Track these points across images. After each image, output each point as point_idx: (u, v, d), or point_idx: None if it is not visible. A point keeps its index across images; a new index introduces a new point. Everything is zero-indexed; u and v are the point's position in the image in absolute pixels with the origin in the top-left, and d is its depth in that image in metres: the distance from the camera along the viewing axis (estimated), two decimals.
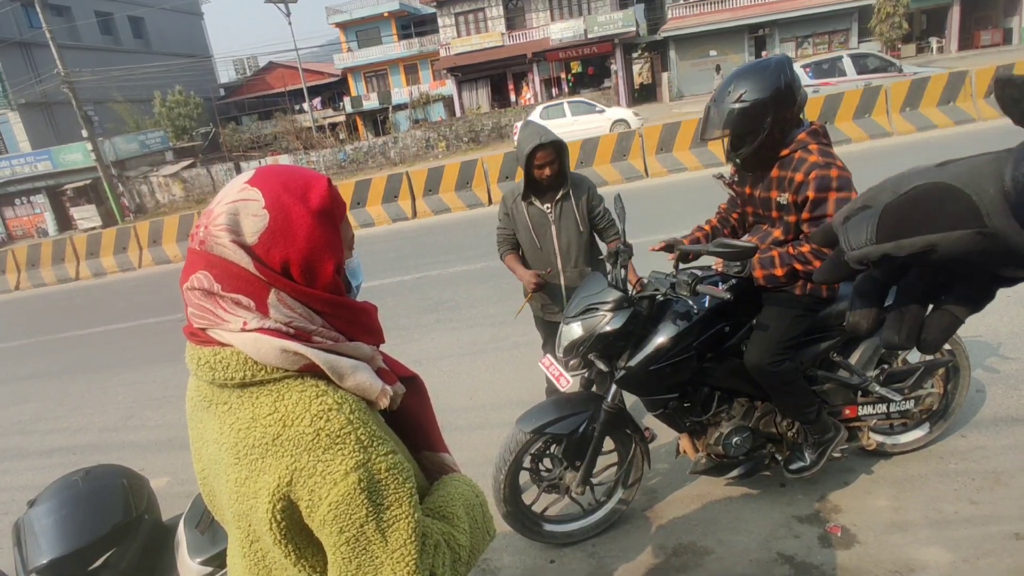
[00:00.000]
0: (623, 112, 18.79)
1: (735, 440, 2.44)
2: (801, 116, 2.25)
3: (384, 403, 0.94)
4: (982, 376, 3.24)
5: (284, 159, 25.85)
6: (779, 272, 2.21)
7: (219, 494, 0.93)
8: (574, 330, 2.27)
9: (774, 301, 2.32)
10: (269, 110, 37.93)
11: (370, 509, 0.83)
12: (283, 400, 0.85)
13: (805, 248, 2.16)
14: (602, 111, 18.43)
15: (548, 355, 2.53)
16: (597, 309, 2.24)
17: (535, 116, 18.76)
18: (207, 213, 0.88)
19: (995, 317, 3.86)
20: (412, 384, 1.11)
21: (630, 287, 2.40)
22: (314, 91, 38.69)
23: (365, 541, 0.83)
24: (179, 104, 32.88)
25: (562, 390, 2.36)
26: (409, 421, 1.10)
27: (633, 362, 2.26)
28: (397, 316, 6.25)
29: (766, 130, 2.13)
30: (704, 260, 2.62)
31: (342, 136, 32.61)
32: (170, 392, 5.41)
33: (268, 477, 0.82)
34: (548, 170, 2.69)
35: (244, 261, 0.86)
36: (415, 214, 11.73)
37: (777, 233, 2.32)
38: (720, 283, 2.30)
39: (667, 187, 10.11)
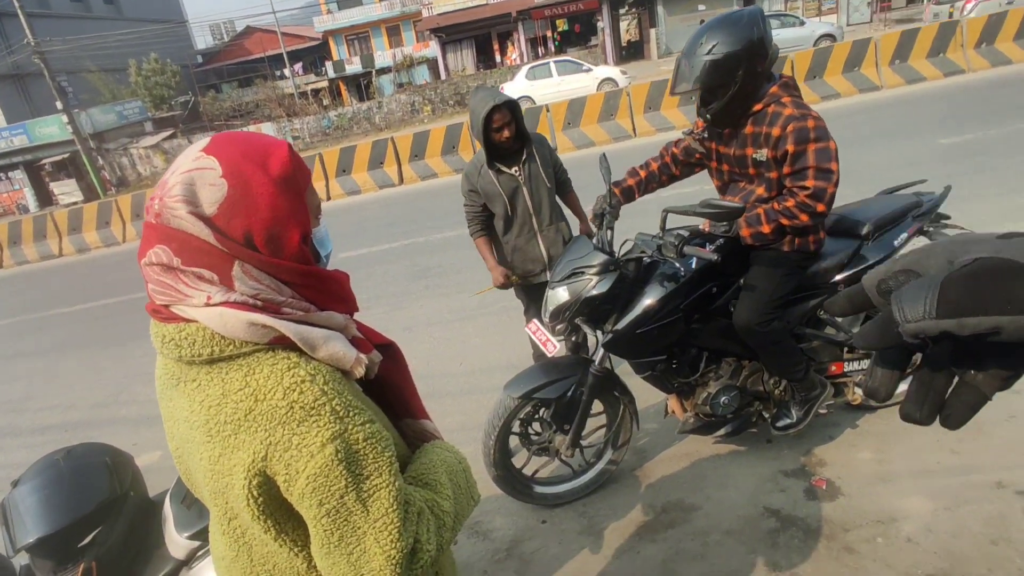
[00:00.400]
0: (610, 71, 18.46)
1: (723, 399, 2.46)
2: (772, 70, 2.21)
3: (359, 372, 0.92)
4: None
5: (267, 127, 25.30)
6: (766, 229, 2.20)
7: (195, 472, 0.92)
8: (560, 295, 2.25)
9: (762, 260, 2.30)
10: (249, 76, 36.96)
11: (349, 480, 0.82)
12: (254, 374, 0.83)
13: (790, 202, 2.14)
14: (589, 70, 18.10)
15: (534, 320, 2.52)
16: (583, 273, 2.22)
17: (521, 76, 18.44)
18: (161, 184, 0.85)
19: None
20: (388, 351, 1.09)
21: (616, 249, 2.38)
22: (294, 56, 37.70)
23: (346, 512, 0.83)
24: (155, 72, 31.93)
25: (549, 355, 2.36)
26: (388, 389, 1.09)
27: (620, 325, 2.26)
28: (386, 284, 6.22)
29: (737, 83, 2.09)
30: (682, 220, 2.60)
31: (325, 102, 31.93)
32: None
33: (242, 453, 0.81)
34: (507, 131, 2.65)
35: (204, 233, 0.82)
36: (402, 180, 11.58)
37: (760, 190, 2.30)
38: (707, 244, 2.28)
39: (655, 146, 9.87)
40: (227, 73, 39.77)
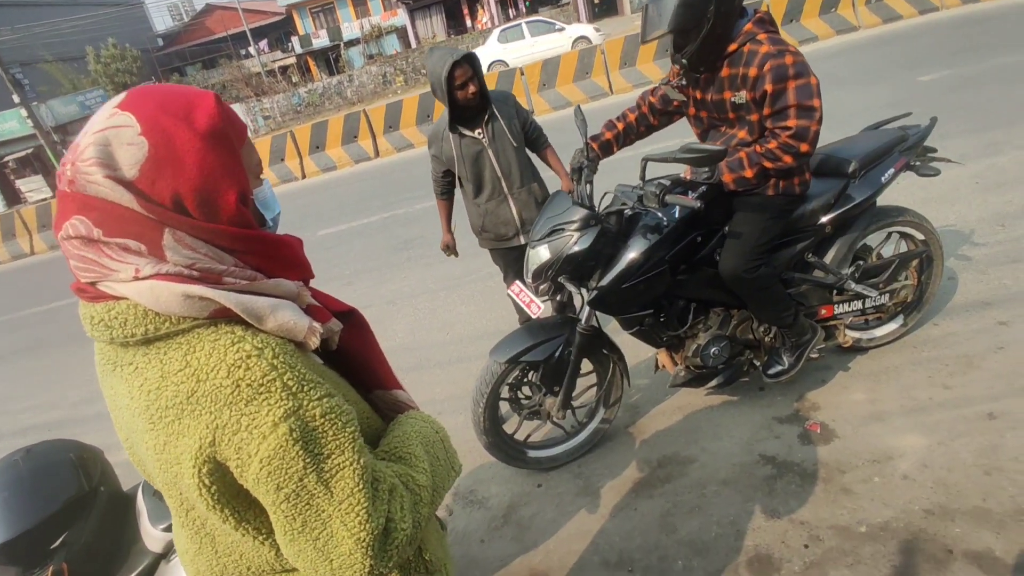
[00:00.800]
0: (584, 28, 18.06)
1: (713, 350, 2.41)
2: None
3: (313, 342, 0.84)
4: (953, 264, 3.25)
5: (236, 108, 24.60)
6: (749, 173, 2.12)
7: (145, 463, 0.84)
8: (541, 253, 2.17)
9: (746, 205, 2.23)
10: (213, 57, 35.87)
11: (308, 460, 0.75)
12: (194, 352, 0.75)
13: (772, 144, 2.06)
14: (562, 29, 17.69)
15: (516, 282, 2.44)
16: (563, 230, 2.14)
17: (493, 40, 18.02)
18: (73, 147, 0.75)
19: (964, 205, 3.85)
20: (351, 319, 1.01)
21: (596, 203, 2.30)
22: (259, 33, 36.61)
23: (307, 495, 0.76)
24: (115, 59, 30.92)
25: (534, 317, 2.29)
26: (353, 360, 1.01)
27: (605, 281, 2.19)
28: (367, 258, 6.11)
29: (710, 21, 1.99)
30: (665, 168, 2.52)
31: (295, 79, 31.13)
32: None
33: (188, 440, 0.73)
34: (471, 87, 2.53)
35: (125, 199, 0.73)
36: (377, 153, 11.34)
37: (742, 134, 2.21)
38: (689, 192, 2.20)
39: (633, 102, 9.82)
40: (190, 55, 38.58)
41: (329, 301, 0.99)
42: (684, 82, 2.26)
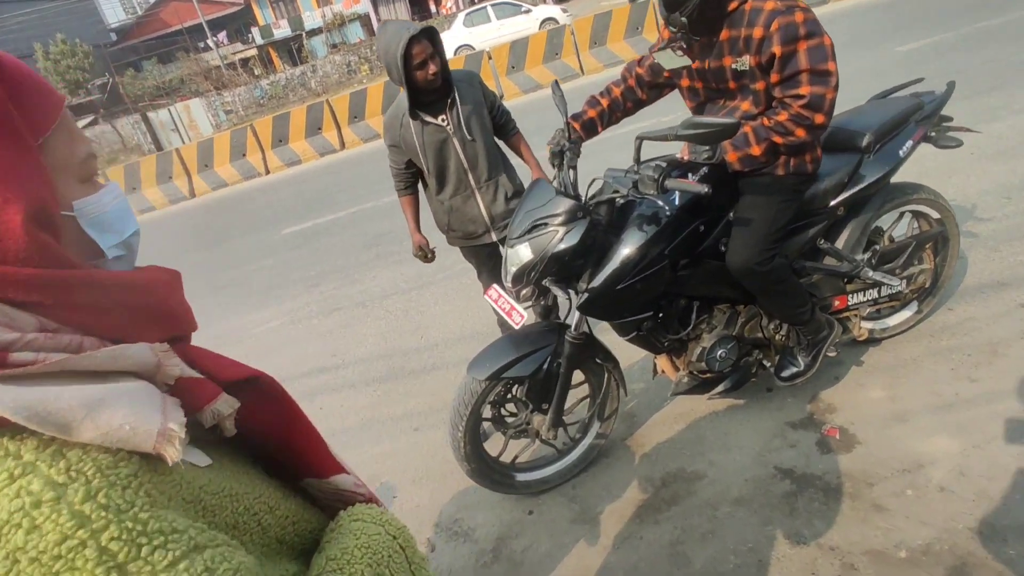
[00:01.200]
0: (551, 9, 17.66)
1: (719, 353, 2.14)
2: None
3: (171, 454, 0.52)
4: (960, 243, 3.02)
5: (195, 103, 23.74)
6: (756, 151, 1.85)
7: None
8: (521, 253, 1.87)
9: (754, 188, 1.96)
10: (170, 50, 34.56)
11: None
12: None
13: (783, 116, 1.78)
14: (528, 11, 17.28)
15: (494, 286, 2.13)
16: (546, 225, 1.84)
17: (458, 24, 17.54)
18: None
19: (962, 177, 3.64)
20: (256, 390, 0.69)
21: (582, 192, 2.00)
22: (217, 24, 35.36)
23: None
24: (65, 55, 29.56)
25: (516, 326, 2.00)
26: (269, 442, 0.70)
27: (596, 282, 1.89)
28: (334, 257, 5.74)
29: None
30: (657, 149, 2.23)
31: (257, 71, 30.15)
32: None
33: None
34: (432, 65, 2.17)
35: None
36: (343, 145, 10.87)
37: (745, 105, 1.93)
38: (689, 174, 1.92)
39: (605, 82, 9.48)
40: (145, 49, 37.11)
41: (220, 366, 0.67)
42: (684, 45, 1.96)
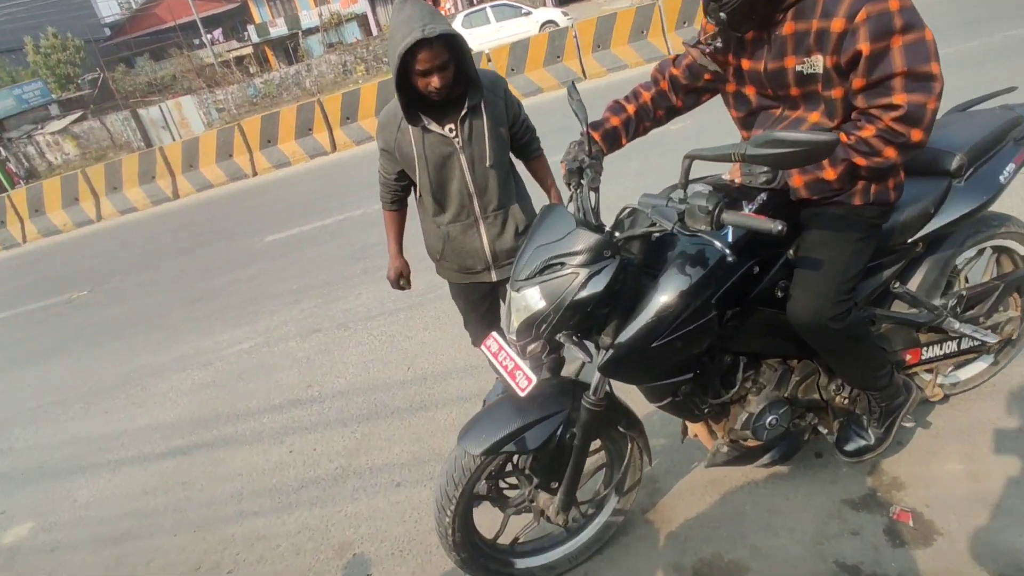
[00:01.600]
0: (551, 12, 17.33)
1: (769, 420, 1.74)
2: None
3: None
4: None
5: (187, 101, 23.24)
6: (831, 174, 1.45)
7: None
8: (530, 299, 1.45)
9: (823, 221, 1.55)
10: (164, 46, 34.00)
11: None
12: None
13: (868, 131, 1.39)
14: (529, 13, 16.93)
15: (494, 334, 1.71)
16: (563, 264, 1.43)
17: (457, 25, 17.12)
18: None
19: (1018, 199, 3.24)
20: None
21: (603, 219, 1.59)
22: (212, 21, 34.87)
23: None
24: (55, 49, 29.00)
25: (521, 393, 1.58)
26: None
27: (625, 337, 1.48)
28: (317, 270, 5.31)
29: None
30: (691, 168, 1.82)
31: (252, 70, 29.66)
32: (46, 399, 4.41)
33: None
34: (438, 77, 1.73)
35: None
36: (334, 147, 10.44)
37: (813, 117, 1.53)
38: (744, 202, 1.51)
39: (608, 88, 9.12)
40: (139, 45, 36.52)
41: None
42: (720, 44, 1.56)
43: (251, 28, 34.26)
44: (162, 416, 3.66)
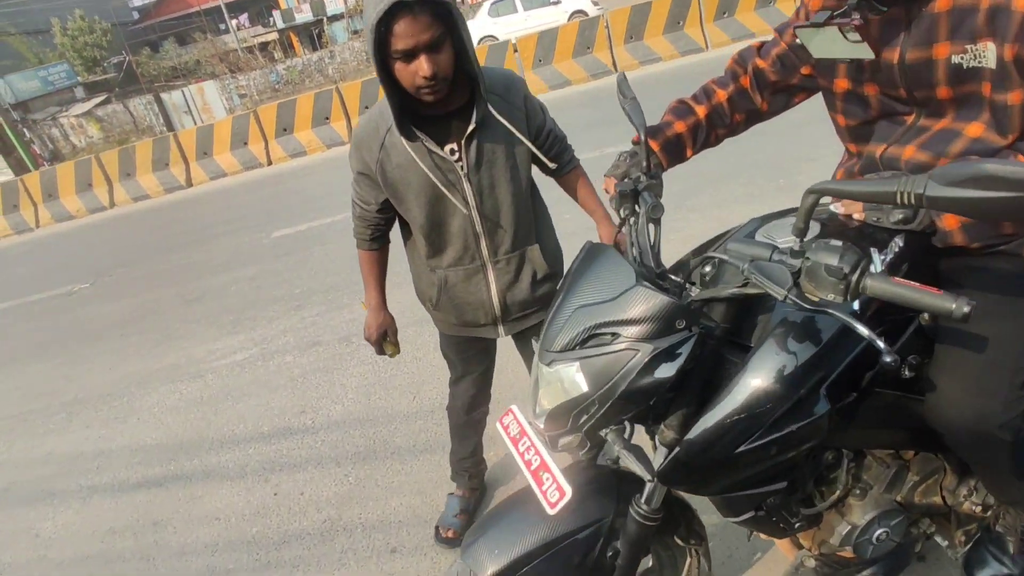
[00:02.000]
0: (581, 2, 16.73)
1: (878, 534, 1.30)
2: None
3: None
4: None
5: (209, 85, 23.10)
6: None
7: None
8: (569, 380, 1.03)
9: (986, 280, 1.11)
10: (189, 30, 34.00)
11: None
12: None
13: None
14: (558, 2, 16.39)
15: (513, 409, 1.29)
16: (617, 336, 1.00)
17: (483, 14, 16.72)
18: None
19: None
20: None
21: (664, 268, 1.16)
22: (239, 7, 34.85)
23: None
24: (82, 32, 29.04)
25: (551, 511, 1.16)
26: None
27: (697, 434, 1.05)
28: (324, 272, 4.94)
29: None
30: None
31: (277, 56, 29.49)
32: (28, 405, 4.10)
33: None
34: (426, 64, 1.27)
35: None
36: (352, 136, 10.06)
37: (973, 130, 1.09)
38: (874, 251, 1.07)
39: (640, 81, 8.60)
40: (164, 29, 36.59)
41: None
42: (862, 20, 1.11)
43: (276, 14, 34.14)
44: (144, 436, 3.31)
